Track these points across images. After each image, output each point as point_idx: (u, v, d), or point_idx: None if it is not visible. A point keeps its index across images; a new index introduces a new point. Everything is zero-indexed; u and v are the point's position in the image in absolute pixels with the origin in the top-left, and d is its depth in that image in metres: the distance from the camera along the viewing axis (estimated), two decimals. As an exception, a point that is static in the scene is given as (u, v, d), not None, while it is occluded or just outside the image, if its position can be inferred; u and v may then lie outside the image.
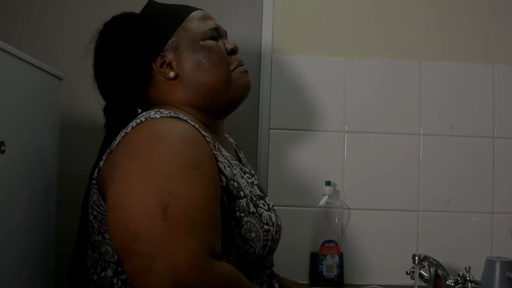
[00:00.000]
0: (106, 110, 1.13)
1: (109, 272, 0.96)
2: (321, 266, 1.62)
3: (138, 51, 1.08)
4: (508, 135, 1.75)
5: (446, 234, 1.71)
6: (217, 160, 0.96)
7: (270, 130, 1.72)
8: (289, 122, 1.72)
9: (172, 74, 1.07)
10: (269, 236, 1.00)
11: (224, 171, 0.96)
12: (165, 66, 1.08)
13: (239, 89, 1.11)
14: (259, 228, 0.99)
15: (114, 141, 0.95)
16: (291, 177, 1.70)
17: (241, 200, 0.97)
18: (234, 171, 1.02)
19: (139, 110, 1.14)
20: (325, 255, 1.62)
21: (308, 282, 1.65)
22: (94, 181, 0.96)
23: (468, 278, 1.49)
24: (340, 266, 1.64)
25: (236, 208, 0.96)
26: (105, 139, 1.11)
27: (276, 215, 1.07)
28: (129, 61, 1.08)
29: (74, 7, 1.72)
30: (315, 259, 1.63)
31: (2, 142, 0.99)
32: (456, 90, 1.75)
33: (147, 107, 1.10)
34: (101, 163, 0.95)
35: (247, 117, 1.73)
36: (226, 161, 1.01)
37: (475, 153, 1.74)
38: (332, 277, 1.62)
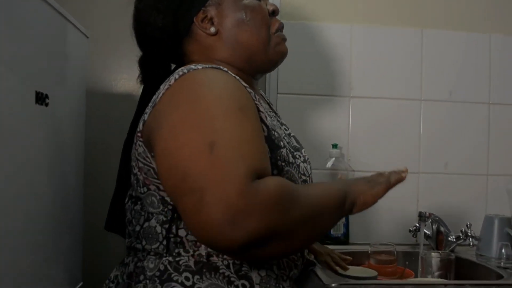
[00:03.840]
0: (141, 61, 1.13)
1: (153, 222, 0.96)
2: (328, 225, 1.68)
3: (180, 4, 1.07)
4: (503, 101, 1.83)
5: (444, 195, 1.80)
6: (258, 110, 0.97)
7: (278, 95, 1.75)
8: (297, 86, 1.76)
9: (212, 29, 1.06)
10: None
11: (266, 120, 0.98)
12: (206, 21, 1.07)
13: (276, 54, 1.11)
14: (297, 178, 1.02)
15: (157, 94, 0.95)
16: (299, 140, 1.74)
17: (282, 150, 0.99)
18: (274, 122, 1.04)
19: (173, 66, 1.15)
20: (332, 215, 1.67)
21: (316, 240, 1.71)
22: (139, 134, 0.96)
23: (469, 234, 1.58)
24: (347, 225, 1.70)
25: (278, 157, 0.98)
26: (143, 92, 1.12)
27: (311, 167, 1.11)
28: (170, 13, 1.07)
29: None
30: (323, 218, 1.68)
31: (46, 95, 0.99)
32: (455, 58, 1.82)
33: (182, 61, 1.11)
34: (146, 116, 0.95)
35: (255, 82, 1.75)
36: (266, 112, 1.02)
37: (472, 119, 1.82)
38: (339, 235, 1.69)
